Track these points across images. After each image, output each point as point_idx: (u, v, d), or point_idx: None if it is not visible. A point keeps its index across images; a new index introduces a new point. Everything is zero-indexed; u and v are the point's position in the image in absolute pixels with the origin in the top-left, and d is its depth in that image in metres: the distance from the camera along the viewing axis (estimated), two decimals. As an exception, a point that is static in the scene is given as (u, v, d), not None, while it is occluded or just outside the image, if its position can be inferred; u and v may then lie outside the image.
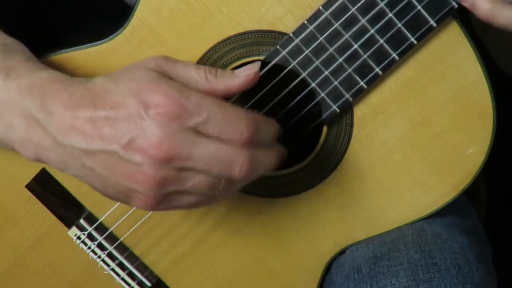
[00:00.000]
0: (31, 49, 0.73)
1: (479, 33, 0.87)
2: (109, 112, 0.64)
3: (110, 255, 0.84)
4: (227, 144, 0.65)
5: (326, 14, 0.72)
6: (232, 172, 0.65)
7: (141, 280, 0.85)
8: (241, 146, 0.65)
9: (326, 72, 0.74)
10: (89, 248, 0.84)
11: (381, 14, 0.71)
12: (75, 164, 0.67)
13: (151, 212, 0.81)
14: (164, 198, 0.66)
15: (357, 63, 0.73)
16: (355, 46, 0.72)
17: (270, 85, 0.75)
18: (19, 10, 0.87)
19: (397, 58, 0.72)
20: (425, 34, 0.71)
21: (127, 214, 0.82)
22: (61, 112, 0.65)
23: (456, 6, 0.70)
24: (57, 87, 0.66)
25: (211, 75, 0.69)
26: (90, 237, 0.83)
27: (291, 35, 0.73)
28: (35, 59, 0.72)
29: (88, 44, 0.76)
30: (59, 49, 0.76)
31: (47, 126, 0.66)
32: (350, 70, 0.73)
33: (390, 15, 0.71)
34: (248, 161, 0.66)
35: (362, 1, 0.70)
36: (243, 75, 0.70)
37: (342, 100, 0.75)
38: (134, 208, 0.80)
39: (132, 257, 0.85)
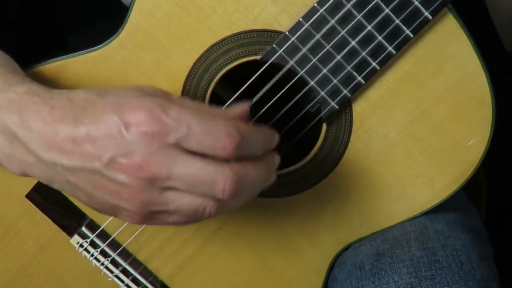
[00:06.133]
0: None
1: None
2: (90, 128, 0.61)
3: (113, 262, 0.84)
4: (209, 160, 0.61)
5: (321, 11, 0.72)
6: (215, 192, 0.62)
7: (145, 286, 0.85)
8: (225, 161, 0.62)
9: (324, 69, 0.74)
10: (92, 255, 0.83)
11: (376, 9, 0.71)
12: (59, 179, 0.65)
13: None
14: (151, 216, 0.64)
15: (354, 58, 0.73)
16: (352, 41, 0.72)
17: (269, 85, 0.75)
18: (19, 11, 0.86)
19: (393, 51, 0.72)
20: (420, 27, 0.71)
21: (129, 220, 0.81)
22: (41, 128, 0.63)
23: (451, -4, 0.70)
24: (36, 101, 0.64)
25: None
26: (93, 244, 0.83)
27: (287, 33, 0.73)
28: (17, 71, 0.69)
29: (84, 50, 0.76)
30: (56, 56, 0.76)
31: (28, 143, 0.64)
32: (347, 66, 0.73)
33: (386, 9, 0.71)
34: (232, 180, 0.61)
35: (356, -4, 0.71)
36: (238, 110, 0.66)
37: (340, 96, 0.75)
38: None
39: (136, 263, 0.84)
